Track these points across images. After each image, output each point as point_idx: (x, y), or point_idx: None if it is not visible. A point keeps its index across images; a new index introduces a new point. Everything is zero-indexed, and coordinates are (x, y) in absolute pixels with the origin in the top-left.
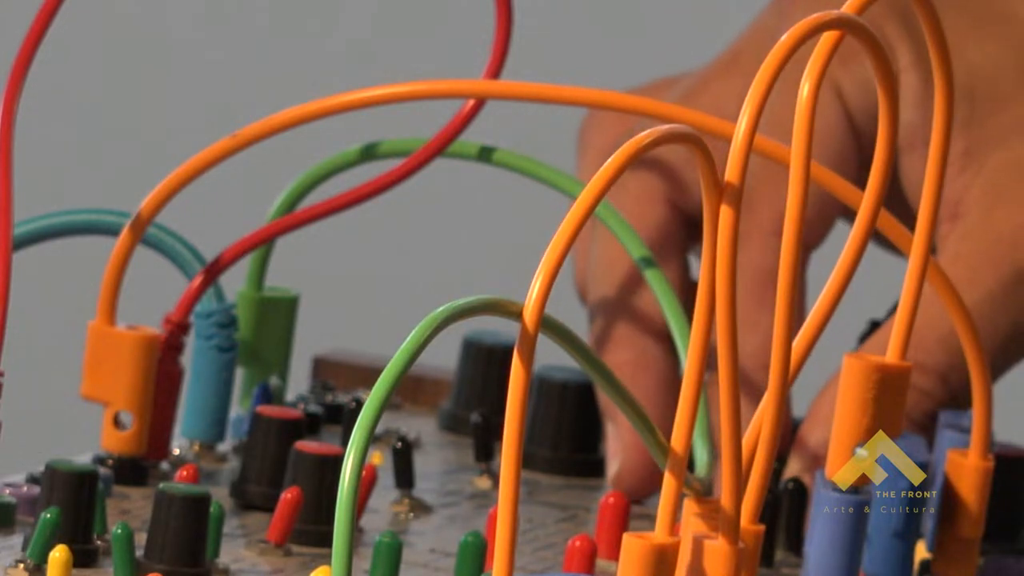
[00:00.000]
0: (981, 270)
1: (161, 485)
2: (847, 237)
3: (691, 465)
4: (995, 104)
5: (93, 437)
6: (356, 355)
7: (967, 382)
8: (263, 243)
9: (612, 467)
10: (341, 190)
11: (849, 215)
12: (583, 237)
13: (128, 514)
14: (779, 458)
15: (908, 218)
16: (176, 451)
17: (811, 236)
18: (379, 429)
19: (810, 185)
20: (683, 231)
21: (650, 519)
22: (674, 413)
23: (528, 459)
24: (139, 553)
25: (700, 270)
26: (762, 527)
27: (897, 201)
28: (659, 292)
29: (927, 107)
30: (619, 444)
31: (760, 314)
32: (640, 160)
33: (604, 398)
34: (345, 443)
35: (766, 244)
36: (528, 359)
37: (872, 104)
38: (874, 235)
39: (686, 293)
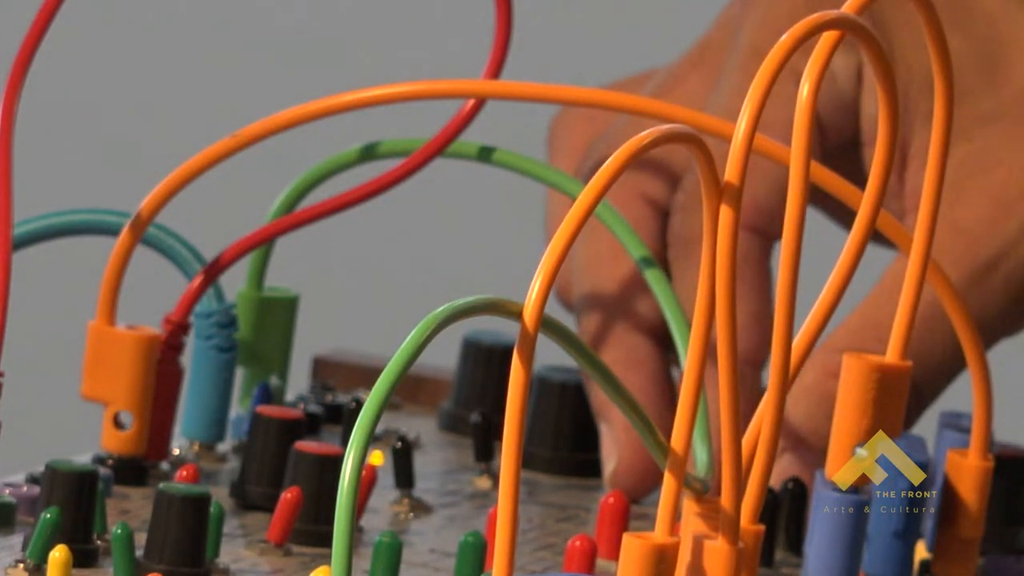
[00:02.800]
0: (943, 265)
1: (161, 485)
2: (847, 237)
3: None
4: (958, 96)
5: (93, 437)
6: (356, 355)
7: (929, 376)
8: (263, 243)
9: (608, 466)
10: (341, 190)
11: (815, 201)
12: None
13: (128, 514)
14: None
15: None
16: (176, 451)
17: (776, 227)
18: (379, 429)
19: (776, 176)
20: (663, 201)
21: (650, 519)
22: (665, 409)
23: (528, 459)
24: (139, 553)
25: (700, 270)
26: (762, 527)
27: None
28: (659, 292)
29: None
30: (614, 444)
31: None
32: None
33: (596, 398)
34: (345, 443)
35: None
36: (528, 359)
37: (836, 96)
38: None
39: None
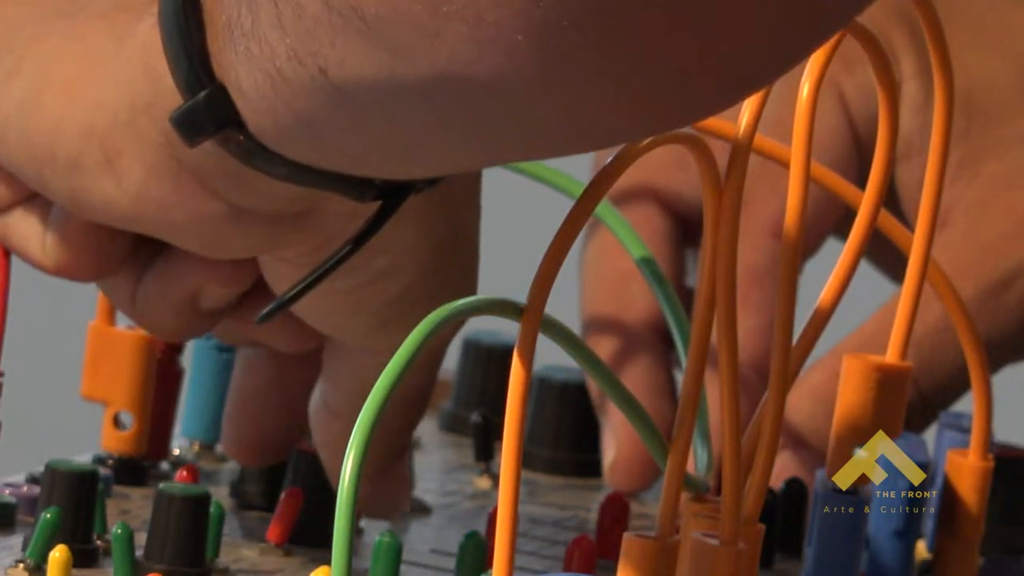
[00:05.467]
0: (961, 278)
1: (161, 485)
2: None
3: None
4: (992, 116)
5: (93, 437)
6: None
7: (937, 386)
8: None
9: (607, 459)
10: None
11: (843, 230)
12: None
13: (128, 514)
14: None
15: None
16: (176, 451)
17: (806, 243)
18: None
19: (808, 192)
20: (677, 232)
21: (650, 519)
22: (664, 401)
23: (528, 459)
24: (139, 553)
25: (699, 270)
26: (762, 527)
27: (892, 209)
28: (659, 292)
29: (926, 116)
30: (612, 436)
31: (744, 311)
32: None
33: (596, 392)
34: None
35: (758, 243)
36: (528, 359)
37: (875, 110)
38: (867, 253)
39: (682, 292)
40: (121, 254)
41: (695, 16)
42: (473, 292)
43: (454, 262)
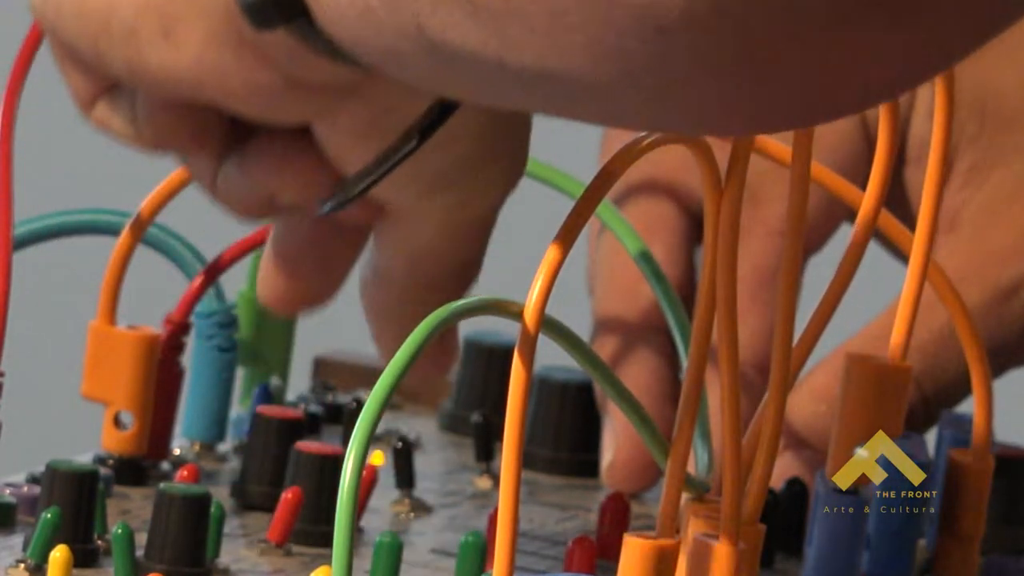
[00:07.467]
0: (966, 284)
1: (161, 485)
2: (847, 238)
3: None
4: (1004, 122)
5: (93, 437)
6: (356, 355)
7: (941, 390)
8: (264, 243)
9: (605, 459)
10: None
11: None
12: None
13: (128, 514)
14: None
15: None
16: (176, 451)
17: (811, 241)
18: (379, 429)
19: (813, 190)
20: (693, 231)
21: (650, 519)
22: (666, 403)
23: (528, 459)
24: (139, 553)
25: (701, 270)
26: (762, 527)
27: (901, 213)
28: (658, 290)
29: None
30: (612, 436)
31: (751, 311)
32: (646, 163)
33: (600, 391)
34: (345, 443)
35: (767, 242)
36: (528, 359)
37: None
38: (876, 234)
39: (692, 292)
40: (214, 121)
41: (778, 62)
42: (524, 165)
43: (507, 131)
